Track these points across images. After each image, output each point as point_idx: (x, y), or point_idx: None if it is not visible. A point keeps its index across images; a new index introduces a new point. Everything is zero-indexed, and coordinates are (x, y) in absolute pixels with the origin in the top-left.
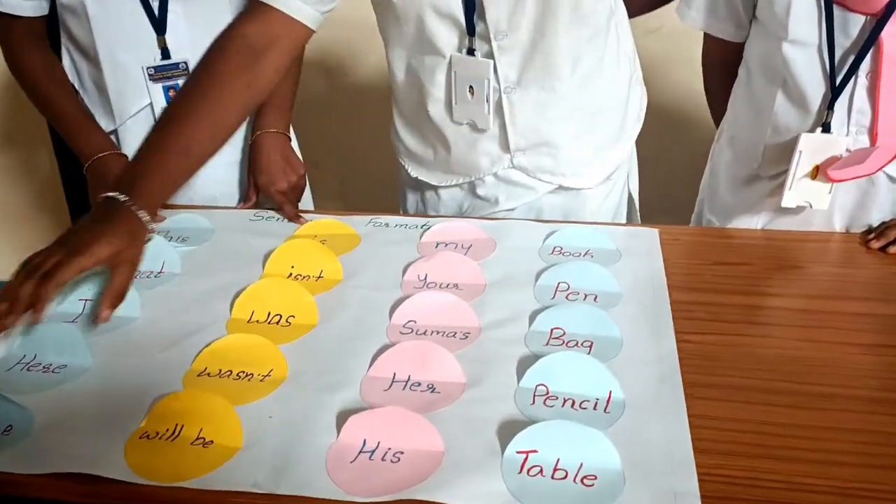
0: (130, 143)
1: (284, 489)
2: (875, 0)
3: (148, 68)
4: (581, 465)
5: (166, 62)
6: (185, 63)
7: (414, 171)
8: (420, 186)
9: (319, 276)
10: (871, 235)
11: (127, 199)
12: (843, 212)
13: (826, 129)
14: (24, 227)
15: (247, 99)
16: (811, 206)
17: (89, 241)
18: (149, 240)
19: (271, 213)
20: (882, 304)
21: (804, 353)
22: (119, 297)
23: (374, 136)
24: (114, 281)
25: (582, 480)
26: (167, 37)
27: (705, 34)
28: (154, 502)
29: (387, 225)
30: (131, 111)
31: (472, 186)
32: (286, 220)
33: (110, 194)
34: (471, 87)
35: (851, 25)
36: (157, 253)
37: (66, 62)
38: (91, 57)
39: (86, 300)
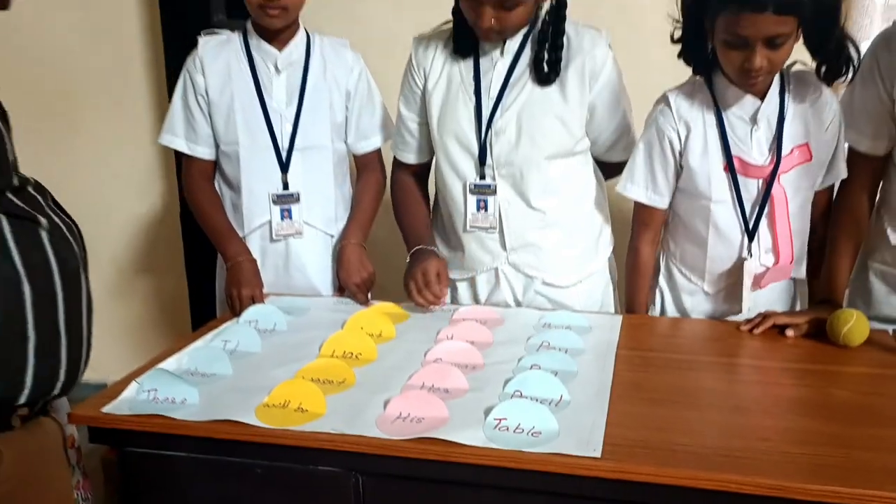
0: (252, 249)
1: (352, 432)
2: (763, 169)
3: (272, 195)
4: (533, 426)
5: (285, 192)
6: (297, 193)
7: None
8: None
9: (380, 335)
10: (743, 321)
11: (426, 247)
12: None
13: (749, 253)
14: (152, 338)
15: (425, 203)
16: (748, 308)
17: (428, 263)
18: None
19: (349, 299)
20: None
21: (705, 381)
22: (447, 284)
23: None
24: (443, 275)
25: (532, 434)
26: (288, 174)
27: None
28: (272, 437)
29: (430, 309)
30: (255, 225)
31: (476, 282)
32: (359, 304)
33: (419, 247)
34: (483, 202)
35: (751, 187)
36: (272, 318)
37: None
38: (234, 186)
39: (226, 341)
